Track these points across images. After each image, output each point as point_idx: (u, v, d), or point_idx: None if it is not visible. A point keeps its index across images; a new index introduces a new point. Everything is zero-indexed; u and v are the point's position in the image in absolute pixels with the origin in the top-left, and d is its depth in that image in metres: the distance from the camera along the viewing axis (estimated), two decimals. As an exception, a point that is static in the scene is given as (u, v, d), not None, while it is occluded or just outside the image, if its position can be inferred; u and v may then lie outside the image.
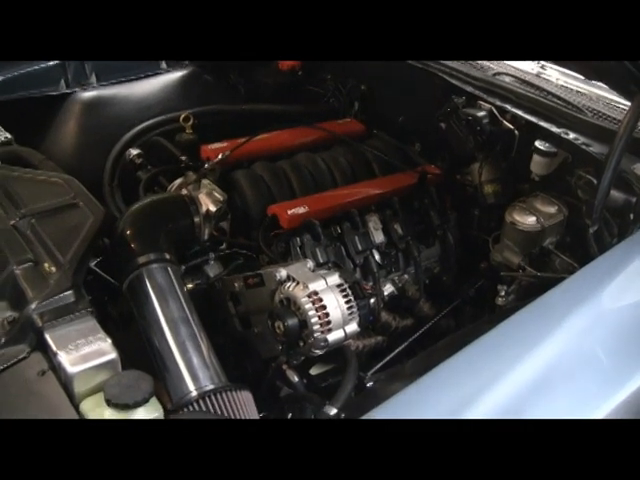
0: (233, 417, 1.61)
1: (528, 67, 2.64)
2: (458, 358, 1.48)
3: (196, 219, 2.15)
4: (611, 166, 1.90)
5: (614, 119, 2.26)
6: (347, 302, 1.78)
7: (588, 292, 1.69)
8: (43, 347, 1.58)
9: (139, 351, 1.76)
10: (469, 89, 2.40)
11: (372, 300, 2.01)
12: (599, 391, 1.51)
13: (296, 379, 1.87)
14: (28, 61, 2.77)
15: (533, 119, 2.23)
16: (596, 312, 1.66)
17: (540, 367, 1.52)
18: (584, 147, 2.08)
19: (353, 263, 2.31)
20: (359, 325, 1.81)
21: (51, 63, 2.79)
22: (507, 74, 2.56)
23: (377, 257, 2.35)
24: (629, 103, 1.96)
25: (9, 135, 2.47)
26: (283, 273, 1.82)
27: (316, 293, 1.75)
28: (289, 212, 2.22)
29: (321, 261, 2.21)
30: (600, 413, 1.44)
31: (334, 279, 1.80)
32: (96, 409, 1.48)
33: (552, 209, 2.14)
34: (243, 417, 1.62)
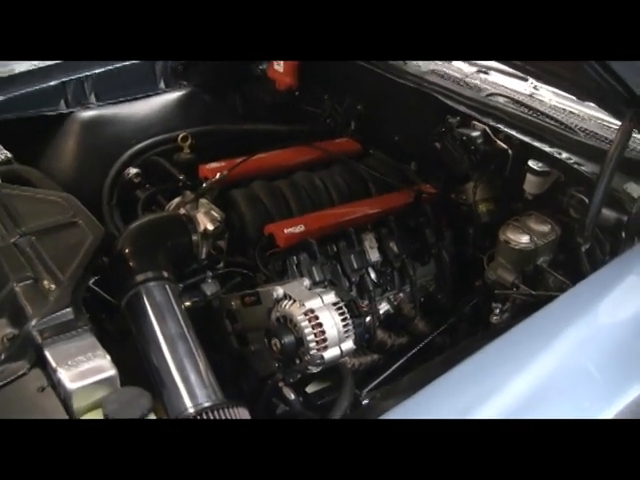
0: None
1: (521, 87, 2.67)
2: (452, 374, 1.49)
3: (194, 238, 2.18)
4: (602, 185, 1.92)
5: (606, 138, 2.28)
6: (343, 320, 1.79)
7: (581, 309, 1.71)
8: (43, 364, 1.60)
9: (136, 368, 1.77)
10: (463, 109, 2.42)
11: (368, 318, 2.04)
12: (592, 406, 1.53)
13: (292, 396, 1.88)
14: (28, 61, 2.79)
15: (526, 139, 2.25)
16: (589, 329, 1.68)
17: (534, 383, 1.54)
18: (576, 166, 2.11)
19: (349, 281, 2.33)
20: (355, 343, 1.83)
21: (51, 83, 2.82)
22: (500, 95, 2.58)
23: (373, 275, 2.38)
24: (619, 123, 1.98)
25: (9, 154, 2.49)
26: (280, 291, 1.84)
27: (312, 311, 1.77)
28: (286, 231, 2.24)
29: (317, 279, 2.23)
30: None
31: (330, 297, 1.82)
32: (95, 424, 1.50)
33: (545, 228, 2.16)
34: (240, 434, 1.64)
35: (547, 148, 2.20)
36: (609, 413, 1.51)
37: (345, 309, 1.82)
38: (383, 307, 2.37)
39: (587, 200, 1.99)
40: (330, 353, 1.77)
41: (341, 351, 1.79)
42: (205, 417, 1.63)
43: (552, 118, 2.39)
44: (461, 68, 2.84)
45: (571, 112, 2.48)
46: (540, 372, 1.56)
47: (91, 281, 1.95)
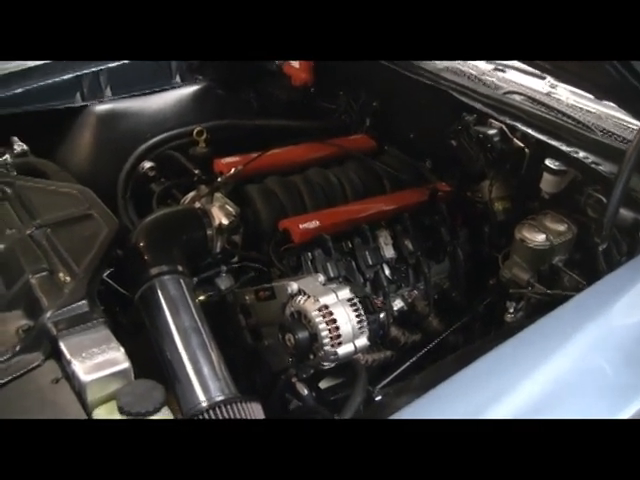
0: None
1: (538, 86, 2.65)
2: (466, 373, 1.48)
3: (209, 232, 2.18)
4: (620, 185, 1.90)
5: (624, 138, 2.26)
6: (357, 316, 1.79)
7: (597, 309, 1.70)
8: (57, 355, 1.61)
9: (150, 360, 1.78)
10: (479, 107, 2.41)
11: (382, 315, 2.03)
12: (608, 408, 1.51)
13: (305, 392, 1.88)
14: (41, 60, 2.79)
15: (543, 138, 2.24)
16: (605, 329, 1.67)
17: (549, 383, 1.52)
18: (594, 166, 2.09)
19: (363, 278, 2.32)
20: (369, 339, 1.83)
21: (67, 76, 2.82)
22: (517, 93, 2.57)
23: (387, 272, 2.37)
24: (638, 122, 1.97)
25: (25, 146, 2.50)
26: (294, 287, 1.84)
27: (327, 307, 1.76)
28: (301, 227, 2.24)
29: (332, 275, 2.22)
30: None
31: (345, 293, 1.82)
32: (109, 417, 1.51)
33: (561, 227, 2.15)
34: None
35: (564, 147, 2.18)
36: (625, 414, 1.50)
37: (359, 305, 1.82)
38: (397, 304, 2.37)
39: (605, 200, 1.98)
40: (344, 349, 1.77)
41: (355, 347, 1.79)
42: (218, 411, 1.62)
43: (569, 117, 2.37)
44: (477, 65, 2.83)
45: (588, 111, 2.47)
46: (554, 372, 1.55)
47: (105, 273, 1.96)
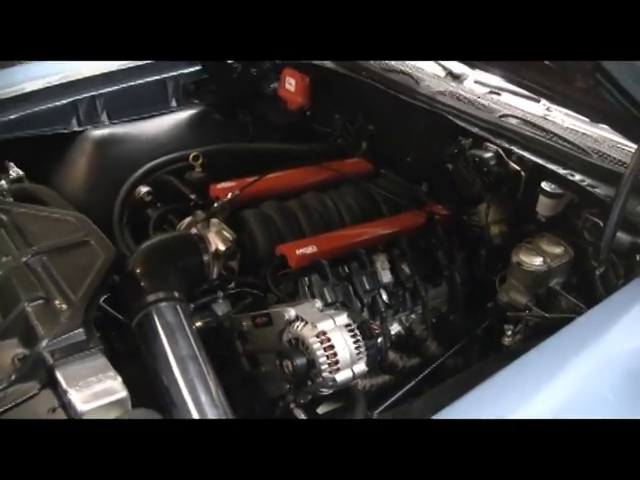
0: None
1: (534, 109, 2.66)
2: (466, 399, 1.48)
3: (205, 258, 2.17)
4: (617, 208, 1.91)
5: (619, 161, 2.27)
6: (355, 342, 1.79)
7: (596, 334, 1.70)
8: (53, 385, 1.59)
9: (147, 387, 1.77)
10: (475, 130, 2.42)
11: (380, 340, 2.02)
12: (607, 433, 1.51)
13: (303, 418, 1.86)
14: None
15: (539, 161, 2.24)
16: (605, 354, 1.67)
17: (549, 408, 1.53)
18: (590, 189, 2.09)
19: (361, 302, 2.31)
20: (367, 365, 1.82)
21: (63, 101, 2.84)
22: (513, 116, 2.57)
23: (384, 297, 2.36)
24: (634, 145, 1.98)
25: (21, 172, 2.50)
26: (292, 313, 1.83)
27: (324, 333, 1.76)
28: (297, 252, 2.23)
29: (329, 301, 2.21)
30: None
31: (342, 319, 1.81)
32: (105, 448, 1.49)
33: (558, 250, 2.15)
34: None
35: (560, 170, 2.18)
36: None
37: (357, 331, 1.82)
38: (394, 328, 2.36)
39: (601, 223, 1.98)
40: (342, 375, 1.76)
41: (353, 373, 1.79)
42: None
43: (565, 139, 2.37)
44: (473, 89, 2.84)
45: (584, 134, 2.47)
46: (555, 397, 1.55)
47: (102, 299, 1.95)
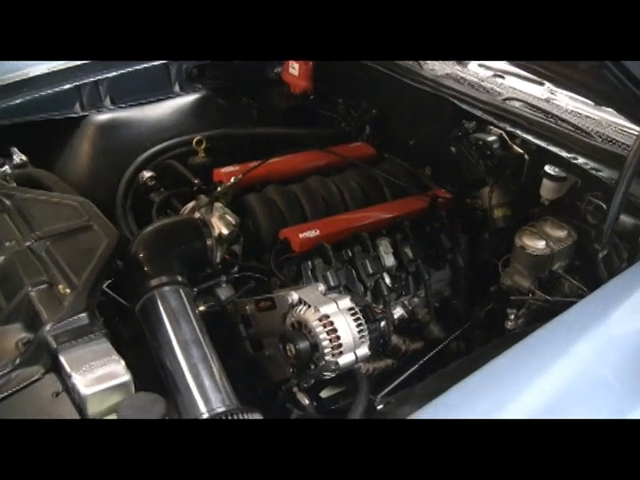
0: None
1: (538, 92, 2.65)
2: (469, 382, 1.48)
3: (208, 242, 2.17)
4: (621, 191, 1.90)
5: (623, 144, 2.26)
6: (358, 325, 1.78)
7: (598, 317, 1.70)
8: (57, 369, 1.60)
9: (150, 371, 1.77)
10: (479, 114, 2.41)
11: (382, 323, 2.02)
12: (611, 416, 1.51)
13: (306, 402, 1.86)
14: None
15: (543, 144, 2.24)
16: (607, 336, 1.67)
17: (551, 392, 1.53)
18: (593, 172, 2.09)
19: (364, 286, 2.31)
20: (370, 349, 1.82)
21: (66, 86, 2.82)
22: (517, 99, 2.56)
23: (387, 280, 2.36)
24: (638, 128, 1.97)
25: (24, 157, 2.50)
26: (295, 296, 1.83)
27: (327, 317, 1.76)
28: (301, 236, 2.23)
29: (332, 284, 2.22)
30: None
31: (345, 303, 1.81)
32: (109, 429, 1.50)
33: (561, 233, 2.15)
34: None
35: (564, 153, 2.18)
36: (629, 422, 1.50)
37: (360, 315, 1.81)
38: (397, 312, 2.36)
39: (604, 206, 1.98)
40: (345, 359, 1.76)
41: (356, 357, 1.78)
42: (219, 422, 1.63)
43: (569, 123, 2.37)
44: (477, 72, 2.83)
45: (588, 117, 2.47)
46: (557, 381, 1.55)
47: (105, 284, 1.95)
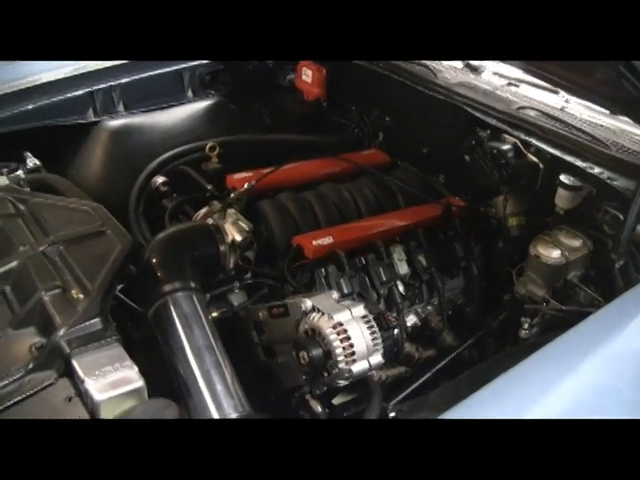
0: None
1: (552, 101, 2.64)
2: (483, 392, 1.48)
3: (222, 248, 2.16)
4: (638, 201, 1.89)
5: (639, 153, 2.25)
6: (372, 333, 1.78)
7: (614, 328, 1.69)
8: (70, 374, 1.61)
9: (163, 376, 1.77)
10: (493, 122, 2.41)
11: (396, 331, 2.01)
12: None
13: (319, 409, 1.86)
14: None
15: (558, 153, 2.23)
16: (621, 348, 1.67)
17: (565, 402, 1.52)
18: (609, 181, 2.08)
19: (377, 294, 2.31)
20: (383, 356, 1.81)
21: (79, 92, 2.83)
22: (531, 108, 2.55)
23: (401, 288, 2.36)
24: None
25: (38, 162, 2.51)
26: (308, 304, 1.83)
27: (341, 324, 1.75)
28: (314, 243, 2.23)
29: (346, 292, 2.21)
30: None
31: (359, 310, 1.81)
32: (122, 436, 1.49)
33: (576, 242, 2.14)
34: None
35: (579, 162, 2.17)
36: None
37: (374, 322, 1.81)
38: (410, 319, 2.35)
39: (621, 216, 1.97)
40: (358, 367, 1.76)
41: (369, 365, 1.78)
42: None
43: (584, 132, 2.36)
44: (491, 80, 2.82)
45: (603, 126, 2.46)
46: (571, 392, 1.55)
47: (118, 289, 1.95)
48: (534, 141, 2.30)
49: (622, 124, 2.46)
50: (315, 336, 1.79)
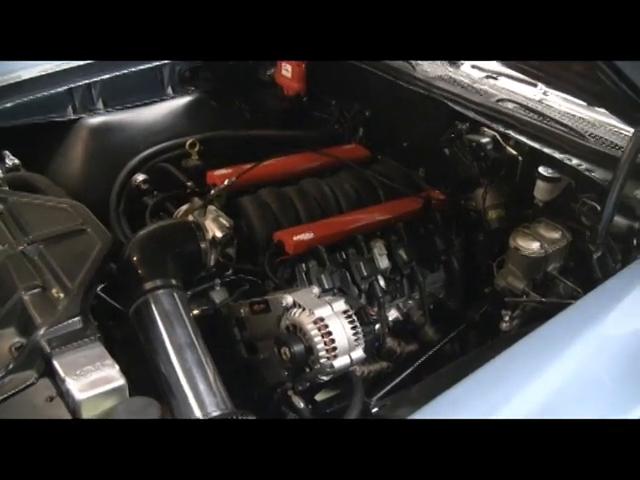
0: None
1: (530, 93, 2.65)
2: (464, 385, 1.48)
3: (202, 245, 2.16)
4: (615, 192, 1.91)
5: (616, 145, 2.27)
6: (353, 328, 1.78)
7: (593, 318, 1.71)
8: (51, 373, 1.60)
9: (144, 375, 1.77)
10: (472, 115, 2.41)
11: (377, 326, 2.02)
12: (606, 416, 1.51)
13: (301, 405, 1.86)
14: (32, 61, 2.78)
15: (536, 145, 2.24)
16: (601, 338, 1.68)
17: (546, 394, 1.53)
18: (587, 173, 2.10)
19: (358, 289, 2.31)
20: (365, 351, 1.82)
21: (59, 89, 2.81)
22: (510, 100, 2.57)
23: (382, 283, 2.36)
24: (631, 129, 1.97)
25: (17, 160, 2.50)
26: (289, 299, 1.83)
27: (322, 319, 1.75)
28: (295, 238, 2.23)
29: (326, 287, 2.22)
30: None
31: (340, 305, 1.81)
32: (104, 435, 1.49)
33: (556, 235, 2.15)
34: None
35: (557, 154, 2.18)
36: (622, 424, 1.50)
37: (355, 317, 1.81)
38: (392, 314, 2.36)
39: (598, 207, 1.98)
40: (340, 362, 1.76)
41: (351, 360, 1.78)
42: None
43: (562, 124, 2.37)
44: (470, 74, 2.83)
45: (581, 118, 2.47)
46: (552, 382, 1.56)
47: (98, 288, 1.94)
48: (513, 133, 2.31)
49: (599, 115, 2.47)
50: (296, 332, 1.79)
